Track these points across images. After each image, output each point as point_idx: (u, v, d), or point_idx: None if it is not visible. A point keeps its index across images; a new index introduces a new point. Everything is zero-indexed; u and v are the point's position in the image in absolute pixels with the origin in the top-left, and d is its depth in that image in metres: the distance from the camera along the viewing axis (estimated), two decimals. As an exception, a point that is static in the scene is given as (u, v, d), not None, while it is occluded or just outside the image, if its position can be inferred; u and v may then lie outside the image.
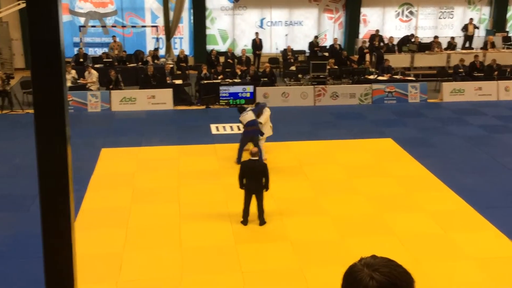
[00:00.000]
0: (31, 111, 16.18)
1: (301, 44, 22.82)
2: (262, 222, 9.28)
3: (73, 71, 17.34)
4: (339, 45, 21.87)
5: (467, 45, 22.23)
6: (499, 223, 9.26)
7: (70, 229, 1.92)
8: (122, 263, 8.06)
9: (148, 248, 8.54)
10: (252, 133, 11.95)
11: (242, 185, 9.23)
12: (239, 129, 13.98)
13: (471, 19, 22.70)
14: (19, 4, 18.50)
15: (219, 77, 17.66)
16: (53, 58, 1.78)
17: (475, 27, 22.50)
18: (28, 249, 8.32)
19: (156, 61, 19.52)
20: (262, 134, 12.09)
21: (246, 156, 11.23)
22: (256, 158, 9.31)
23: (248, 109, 12.35)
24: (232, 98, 16.79)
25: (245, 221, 9.28)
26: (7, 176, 11.36)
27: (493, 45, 21.48)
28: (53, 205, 1.89)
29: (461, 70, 18.81)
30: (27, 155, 11.94)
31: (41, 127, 1.83)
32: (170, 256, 8.29)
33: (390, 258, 1.74)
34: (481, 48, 21.58)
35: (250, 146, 11.84)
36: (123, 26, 22.05)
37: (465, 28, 22.57)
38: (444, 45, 21.34)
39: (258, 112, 12.26)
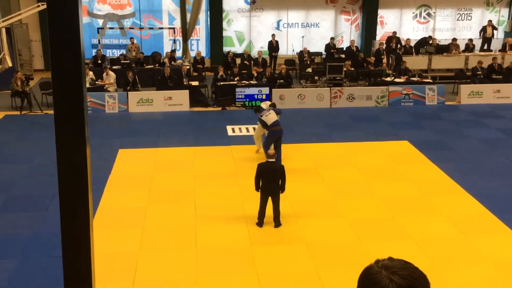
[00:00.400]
0: (50, 112, 16.40)
1: (318, 46, 22.79)
2: (277, 224, 9.27)
3: (91, 73, 17.50)
4: (356, 47, 21.78)
5: (485, 47, 22.01)
6: (517, 227, 9.15)
7: (89, 229, 1.95)
8: (137, 264, 8.11)
9: (163, 249, 8.57)
10: (279, 133, 11.87)
11: (258, 187, 9.21)
12: (255, 131, 14.00)
13: (490, 21, 22.47)
14: (38, 6, 18.75)
15: (235, 79, 17.71)
16: (73, 59, 1.81)
17: (494, 28, 22.25)
18: (47, 249, 8.40)
19: (173, 62, 19.63)
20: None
21: (256, 157, 11.31)
22: (273, 160, 9.28)
23: (268, 108, 12.14)
24: (248, 99, 16.82)
25: (260, 223, 9.28)
26: (26, 176, 11.49)
27: (511, 48, 21.23)
28: (72, 204, 1.91)
29: (479, 72, 18.63)
30: (46, 155, 12.07)
31: (61, 128, 1.85)
32: (185, 257, 8.32)
33: (407, 261, 1.74)
34: (500, 51, 21.34)
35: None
36: (141, 28, 22.21)
37: (483, 30, 22.34)
38: (462, 47, 21.16)
39: (277, 113, 12.13)
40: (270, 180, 9.13)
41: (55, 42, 1.82)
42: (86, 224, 1.95)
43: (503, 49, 21.29)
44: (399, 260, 1.71)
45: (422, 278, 1.69)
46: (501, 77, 18.39)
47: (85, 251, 1.97)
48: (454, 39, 21.21)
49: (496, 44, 22.23)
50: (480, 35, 22.46)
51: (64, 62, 1.83)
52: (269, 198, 9.19)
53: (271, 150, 9.59)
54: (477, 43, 21.96)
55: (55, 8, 1.79)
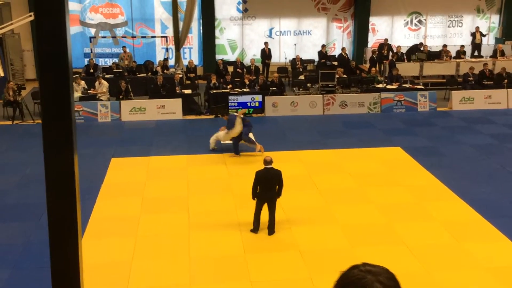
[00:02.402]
0: (42, 121, 16.32)
1: (310, 53, 22.88)
2: (271, 231, 9.22)
3: (83, 82, 17.47)
4: (347, 54, 21.88)
5: (475, 53, 22.15)
6: (509, 232, 9.19)
7: (77, 238, 1.95)
8: (130, 272, 8.08)
9: (157, 257, 8.55)
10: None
11: (255, 195, 9.10)
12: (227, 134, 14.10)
13: (477, 27, 22.67)
14: (30, 15, 18.73)
15: (228, 87, 17.74)
16: (60, 68, 1.81)
17: (482, 35, 22.43)
18: (40, 258, 8.36)
19: (165, 71, 19.64)
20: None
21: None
22: (271, 166, 9.19)
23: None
24: (241, 107, 16.83)
25: (255, 229, 9.24)
26: (19, 186, 11.45)
27: (502, 54, 21.39)
28: (60, 213, 1.92)
29: (470, 78, 18.73)
30: (38, 165, 12.03)
31: (48, 137, 1.86)
32: (179, 265, 8.31)
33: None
34: (491, 57, 21.50)
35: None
36: (133, 37, 22.22)
37: (473, 36, 22.50)
38: (454, 54, 21.30)
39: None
40: (268, 186, 9.05)
41: (42, 52, 1.83)
42: (75, 233, 1.95)
43: (494, 55, 21.45)
44: (376, 265, 1.75)
45: (397, 279, 1.74)
46: (492, 83, 18.52)
47: (74, 261, 1.97)
48: (445, 46, 21.35)
49: (487, 51, 22.41)
50: (471, 41, 22.60)
51: (51, 72, 1.84)
52: (265, 205, 9.16)
53: (268, 157, 9.41)
54: (468, 50, 22.11)
55: (42, 19, 1.80)
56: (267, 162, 9.19)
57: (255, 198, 9.14)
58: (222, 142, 13.56)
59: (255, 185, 9.07)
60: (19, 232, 9.38)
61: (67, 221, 1.92)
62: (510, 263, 8.40)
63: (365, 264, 1.74)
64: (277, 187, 9.13)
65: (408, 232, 9.29)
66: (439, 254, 8.60)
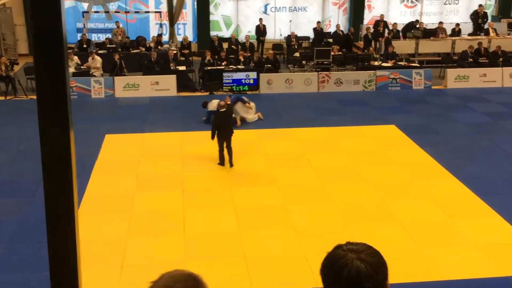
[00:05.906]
0: (35, 97, 16.21)
1: (305, 30, 22.70)
2: (231, 163, 10.95)
3: (76, 57, 17.29)
4: (342, 31, 21.71)
5: (478, 32, 21.81)
6: (502, 210, 9.26)
7: (74, 213, 1.93)
8: (125, 249, 8.10)
9: (152, 234, 8.58)
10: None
11: (214, 136, 10.77)
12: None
13: (481, 5, 22.41)
14: (22, -11, 18.43)
15: (223, 63, 17.62)
16: (55, 43, 1.77)
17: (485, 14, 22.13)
18: (35, 234, 8.37)
19: (159, 47, 19.46)
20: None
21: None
22: (224, 109, 10.96)
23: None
24: (235, 84, 16.76)
25: (222, 163, 10.97)
26: (12, 162, 11.40)
27: (495, 31, 21.20)
28: (56, 190, 1.89)
29: (470, 59, 18.53)
30: (32, 140, 11.95)
31: (44, 112, 1.83)
32: (173, 242, 8.34)
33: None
34: (485, 34, 21.35)
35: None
36: (127, 12, 21.95)
37: (475, 15, 22.16)
38: (449, 32, 21.15)
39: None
40: (226, 126, 10.85)
41: (37, 25, 1.79)
42: (71, 208, 1.93)
43: (486, 33, 21.29)
44: (358, 243, 1.79)
45: (379, 253, 1.77)
46: (487, 61, 18.47)
47: (70, 236, 1.95)
48: (441, 23, 21.19)
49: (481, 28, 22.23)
50: (471, 19, 22.28)
51: (46, 46, 1.80)
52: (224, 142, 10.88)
53: (222, 101, 11.25)
54: (463, 27, 21.92)
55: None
56: (221, 106, 11.06)
57: (213, 138, 10.84)
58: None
59: (214, 128, 10.81)
60: (13, 208, 9.36)
61: (63, 197, 1.90)
62: (502, 240, 8.48)
63: (348, 243, 1.78)
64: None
65: (402, 210, 9.34)
66: (432, 231, 8.67)
